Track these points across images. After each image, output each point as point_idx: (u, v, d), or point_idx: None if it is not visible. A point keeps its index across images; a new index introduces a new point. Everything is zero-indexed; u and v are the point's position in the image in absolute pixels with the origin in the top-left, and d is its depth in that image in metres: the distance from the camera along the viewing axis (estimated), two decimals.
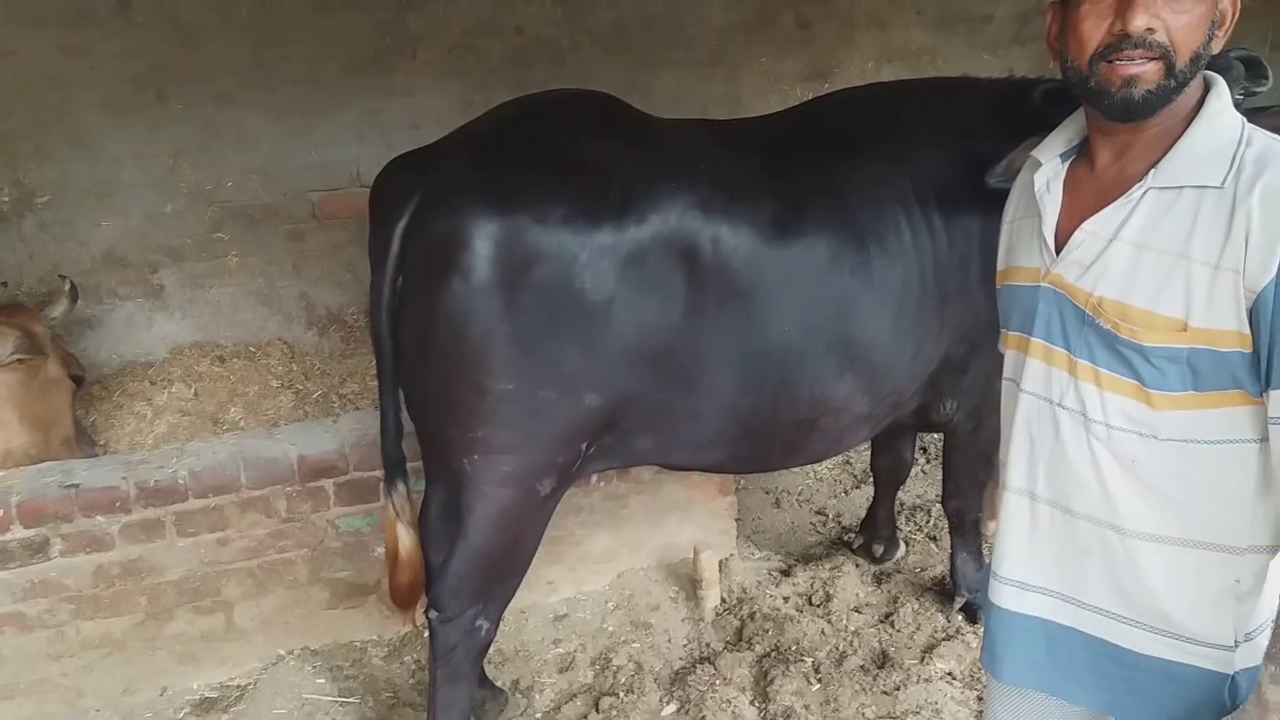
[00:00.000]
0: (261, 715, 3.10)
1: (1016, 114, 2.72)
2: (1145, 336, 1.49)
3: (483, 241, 2.32)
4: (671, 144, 2.56)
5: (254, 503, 3.13)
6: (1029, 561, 1.71)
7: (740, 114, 3.82)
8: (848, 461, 4.62)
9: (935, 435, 4.63)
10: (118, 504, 2.99)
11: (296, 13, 3.89)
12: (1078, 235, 1.58)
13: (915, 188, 2.72)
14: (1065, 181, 1.66)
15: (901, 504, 4.21)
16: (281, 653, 3.30)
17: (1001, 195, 2.86)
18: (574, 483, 2.66)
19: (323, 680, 3.23)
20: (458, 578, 2.52)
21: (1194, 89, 1.53)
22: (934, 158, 2.76)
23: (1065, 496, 1.64)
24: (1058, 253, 1.62)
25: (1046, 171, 1.68)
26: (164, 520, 3.05)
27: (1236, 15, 1.52)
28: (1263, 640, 1.53)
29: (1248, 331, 1.42)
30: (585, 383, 2.44)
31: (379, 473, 3.23)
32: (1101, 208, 1.56)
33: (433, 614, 2.55)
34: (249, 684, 3.22)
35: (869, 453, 4.54)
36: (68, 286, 3.41)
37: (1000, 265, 1.82)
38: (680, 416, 2.60)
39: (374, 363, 3.84)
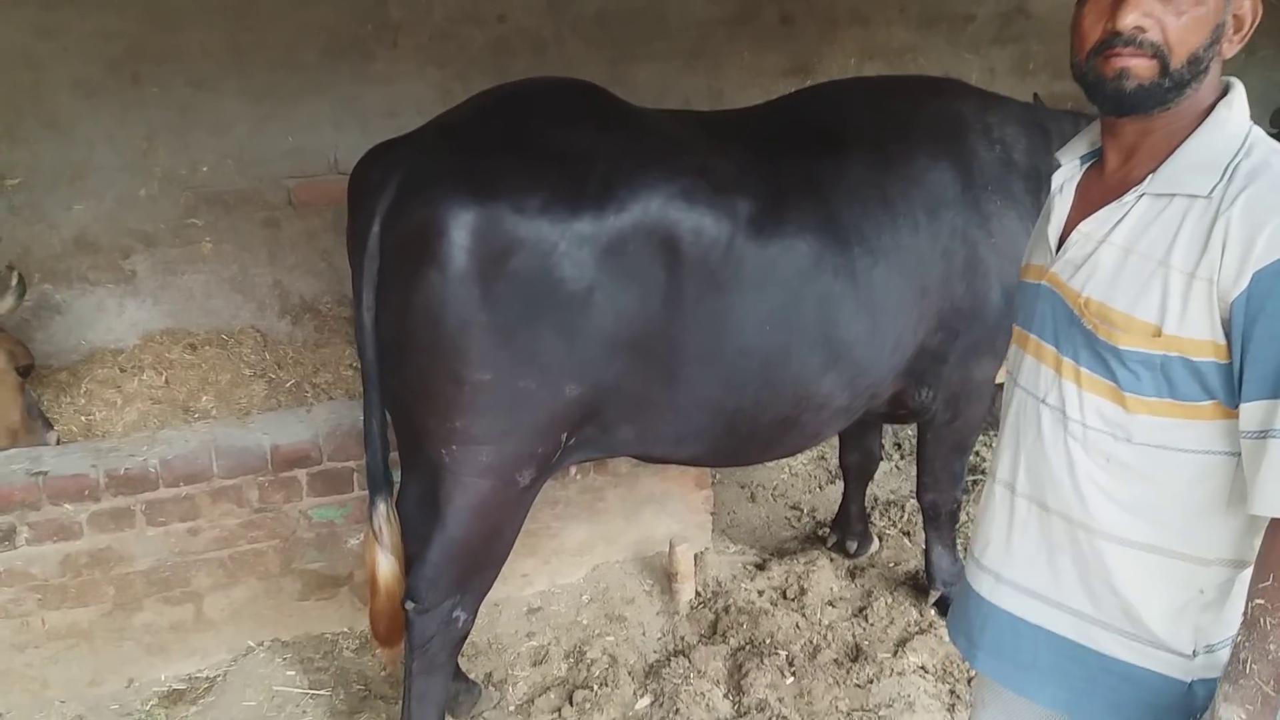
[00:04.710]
0: (230, 707, 3.07)
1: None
2: (1121, 340, 1.50)
3: (460, 230, 2.29)
4: (653, 133, 2.55)
5: (226, 492, 3.09)
6: (1006, 554, 1.72)
7: (722, 108, 3.81)
8: (822, 457, 4.63)
9: (909, 431, 4.66)
10: (86, 492, 2.95)
11: None
12: (1073, 236, 1.60)
13: (897, 182, 2.73)
14: (1080, 183, 1.67)
15: (875, 499, 4.23)
16: (251, 644, 3.26)
17: (988, 190, 2.91)
18: (553, 474, 2.65)
19: (293, 672, 3.20)
20: (435, 568, 2.50)
21: (1206, 93, 1.52)
22: (916, 152, 2.77)
23: (1041, 492, 1.65)
24: (1058, 252, 1.64)
25: (1064, 173, 1.70)
26: (134, 509, 3.01)
27: (1258, 19, 1.51)
28: (1224, 654, 1.52)
29: (1223, 342, 1.42)
30: (565, 373, 2.42)
31: (353, 463, 3.23)
32: (1101, 210, 1.58)
33: (410, 605, 2.53)
34: (218, 675, 3.18)
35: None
36: (15, 280, 3.32)
37: (1022, 261, 1.82)
38: (661, 409, 2.59)
39: (349, 353, 3.87)
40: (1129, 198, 1.54)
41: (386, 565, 2.57)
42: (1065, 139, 2.20)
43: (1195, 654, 1.56)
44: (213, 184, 3.67)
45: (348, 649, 3.32)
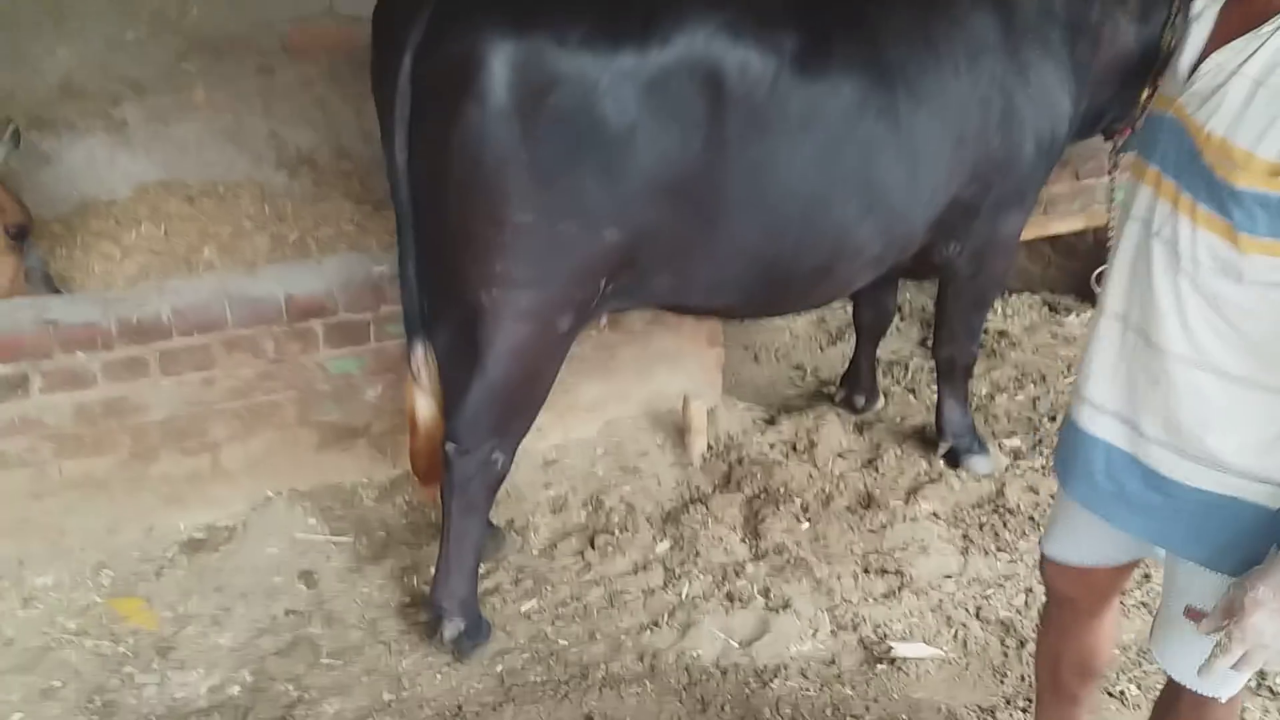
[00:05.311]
0: (254, 554, 3.08)
1: None
2: (1239, 179, 1.46)
3: (500, 63, 2.22)
4: None
5: (240, 342, 3.03)
6: (1110, 385, 1.73)
7: None
8: (822, 320, 4.65)
9: (908, 293, 4.68)
10: (99, 341, 2.88)
11: None
12: (1204, 65, 1.54)
13: (941, 22, 2.66)
14: (1222, 10, 1.59)
15: (878, 359, 4.26)
16: (270, 494, 3.26)
17: (1027, 38, 2.85)
18: (590, 321, 2.63)
19: (314, 520, 3.21)
20: (475, 411, 2.49)
21: None
22: None
23: (1148, 324, 1.64)
24: (1187, 82, 1.57)
25: None
26: (147, 359, 2.95)
27: None
28: None
29: None
30: (605, 216, 2.38)
31: (369, 315, 3.18)
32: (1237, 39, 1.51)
33: (450, 447, 2.53)
34: (237, 525, 3.18)
35: (844, 308, 4.61)
36: (9, 131, 3.16)
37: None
38: (699, 256, 2.57)
39: (349, 207, 3.77)
40: (1267, 28, 1.47)
41: (425, 406, 2.58)
42: None
43: None
44: (204, 27, 3.48)
45: (367, 498, 3.33)
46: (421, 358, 2.56)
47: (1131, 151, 3.12)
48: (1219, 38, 1.57)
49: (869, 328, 3.78)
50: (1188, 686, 1.78)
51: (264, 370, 3.09)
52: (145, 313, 2.91)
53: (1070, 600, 2.05)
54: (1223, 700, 1.78)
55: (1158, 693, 2.71)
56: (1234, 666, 1.54)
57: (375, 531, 3.21)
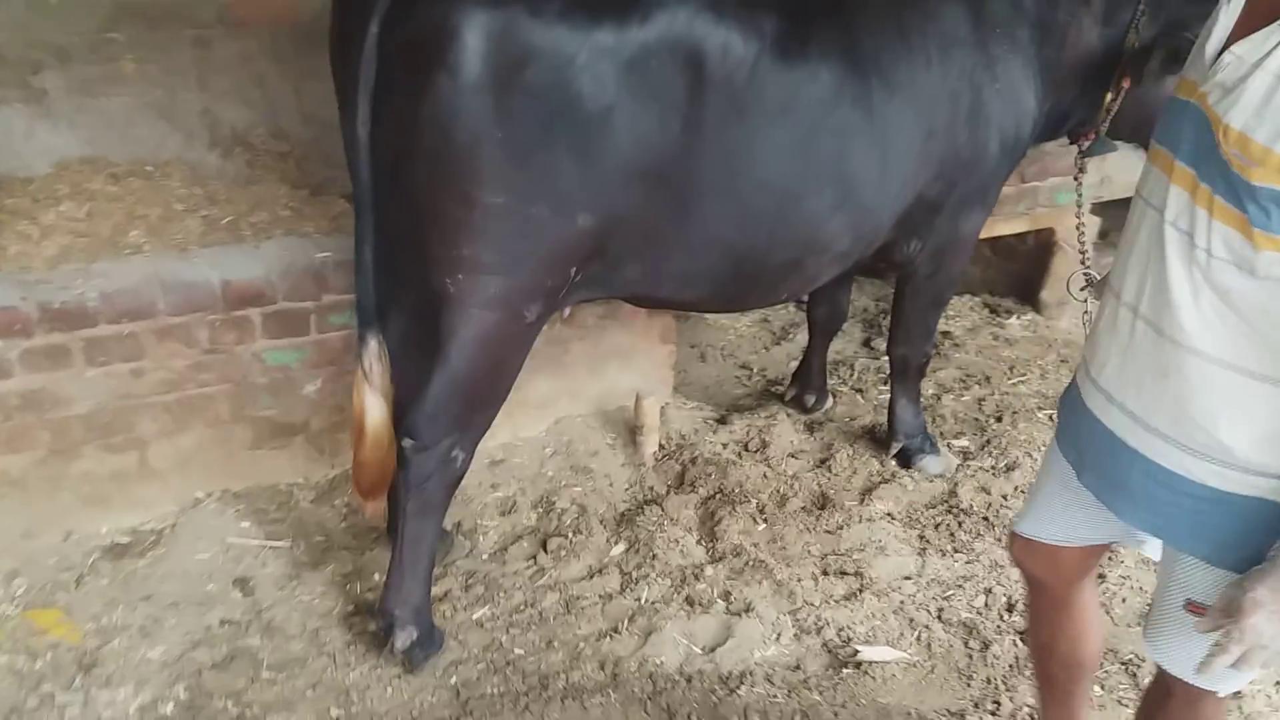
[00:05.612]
0: (183, 560, 2.88)
1: None
2: (1255, 175, 1.42)
3: (473, 34, 2.10)
4: None
5: (173, 331, 2.83)
6: (1119, 375, 1.70)
7: None
8: (766, 319, 4.61)
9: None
10: (17, 327, 2.65)
11: None
12: (1225, 57, 1.50)
13: (914, 12, 2.63)
14: None
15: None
16: (200, 495, 3.06)
17: (996, 33, 2.83)
18: (557, 311, 2.51)
19: (247, 523, 3.02)
20: (436, 404, 2.35)
21: None
22: None
23: (1158, 316, 1.61)
24: (1210, 70, 1.53)
25: None
26: (70, 347, 2.73)
27: None
28: None
29: None
30: (579, 200, 2.27)
31: (310, 304, 3.01)
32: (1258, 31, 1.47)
33: (408, 442, 2.38)
34: (165, 528, 2.97)
35: (787, 308, 4.58)
36: None
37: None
38: (671, 246, 2.48)
39: (284, 191, 3.57)
40: None
41: (376, 408, 2.40)
42: None
43: None
44: None
45: (304, 500, 3.15)
46: (375, 352, 2.40)
47: (1100, 154, 3.18)
48: (1244, 26, 1.53)
49: (823, 325, 3.73)
50: (1184, 680, 1.75)
51: (197, 361, 2.89)
52: (69, 297, 2.69)
53: (1040, 584, 2.05)
54: (1220, 695, 1.76)
55: (1121, 693, 2.74)
56: (1233, 666, 1.51)
57: (313, 535, 3.03)
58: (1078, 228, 3.06)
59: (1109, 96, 2.96)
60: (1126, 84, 2.92)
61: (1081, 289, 2.53)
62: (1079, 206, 3.07)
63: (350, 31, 2.19)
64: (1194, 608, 1.66)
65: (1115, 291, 1.71)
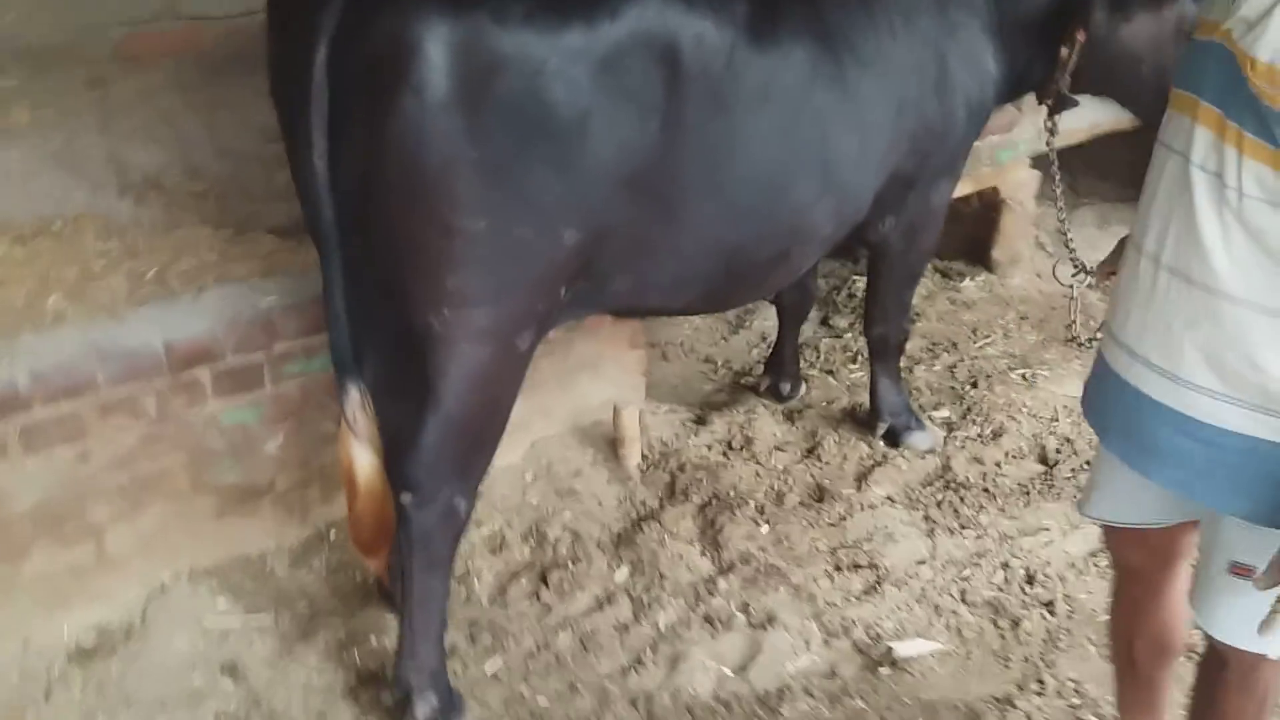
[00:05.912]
0: (160, 652, 2.62)
1: None
2: None
3: (436, 47, 1.93)
4: None
5: (116, 404, 2.57)
6: (1143, 329, 1.67)
7: None
8: None
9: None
10: None
11: None
12: None
13: None
14: None
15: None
16: (167, 578, 2.79)
17: None
18: (545, 336, 2.35)
19: (223, 601, 2.77)
20: (432, 451, 2.17)
21: None
22: None
23: (1186, 264, 1.59)
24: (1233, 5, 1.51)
25: None
26: (4, 437, 2.45)
27: None
28: None
29: None
30: (563, 216, 2.12)
31: (261, 355, 2.78)
32: None
33: (407, 498, 2.19)
34: (134, 621, 2.70)
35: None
36: None
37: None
38: (660, 253, 2.35)
39: (207, 234, 3.30)
40: None
41: (365, 460, 2.22)
42: None
43: None
44: (24, 35, 2.95)
45: (280, 567, 2.91)
46: (357, 401, 2.20)
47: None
48: None
49: (792, 311, 3.63)
50: (1238, 647, 1.71)
51: (147, 433, 2.63)
52: None
53: (1135, 570, 1.98)
54: (1273, 657, 1.71)
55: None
56: None
57: (297, 604, 2.79)
58: (1058, 207, 2.96)
59: (1064, 51, 2.90)
60: (1081, 37, 2.87)
61: (1073, 275, 2.50)
62: (1053, 166, 3.01)
63: (294, 56, 1.99)
64: (1239, 570, 1.64)
65: (1136, 244, 1.68)
